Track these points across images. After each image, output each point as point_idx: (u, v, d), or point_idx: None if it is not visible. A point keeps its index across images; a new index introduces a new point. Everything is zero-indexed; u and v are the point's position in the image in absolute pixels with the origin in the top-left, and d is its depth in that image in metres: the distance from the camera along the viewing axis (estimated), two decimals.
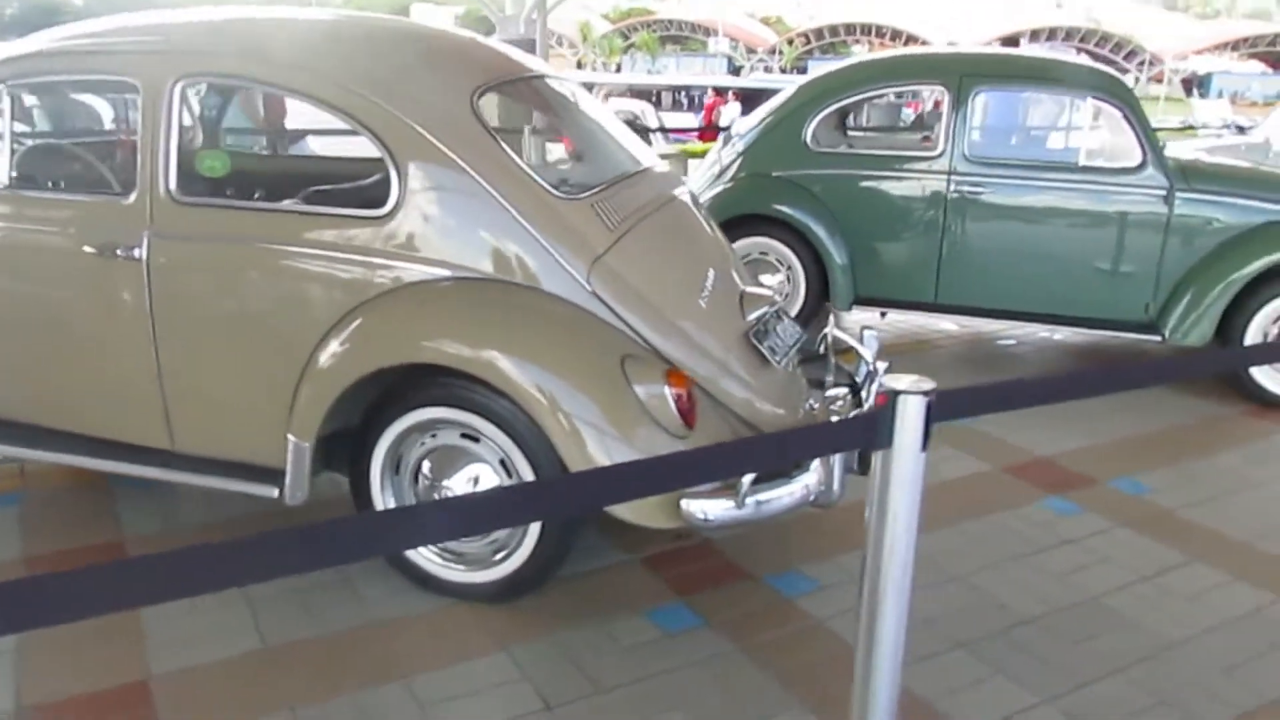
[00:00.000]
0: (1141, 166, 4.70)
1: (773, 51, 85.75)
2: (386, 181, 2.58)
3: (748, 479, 2.41)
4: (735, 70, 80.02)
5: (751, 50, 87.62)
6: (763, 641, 2.65)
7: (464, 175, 2.57)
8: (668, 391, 2.49)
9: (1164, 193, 4.69)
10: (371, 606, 2.73)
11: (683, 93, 38.26)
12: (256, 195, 3.38)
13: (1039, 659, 2.62)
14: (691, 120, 33.56)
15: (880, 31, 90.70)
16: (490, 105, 3.07)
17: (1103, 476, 3.82)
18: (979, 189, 4.88)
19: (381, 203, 2.59)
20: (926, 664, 2.58)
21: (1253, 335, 4.64)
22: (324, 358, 2.55)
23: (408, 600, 2.74)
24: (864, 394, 3.18)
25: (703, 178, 5.55)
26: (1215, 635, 2.76)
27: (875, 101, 6.86)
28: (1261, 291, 4.58)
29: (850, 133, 6.03)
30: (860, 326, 3.41)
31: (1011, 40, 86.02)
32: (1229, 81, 64.78)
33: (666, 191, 3.19)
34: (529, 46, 11.63)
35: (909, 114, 11.72)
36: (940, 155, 4.92)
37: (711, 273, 2.96)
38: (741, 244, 5.29)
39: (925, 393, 1.44)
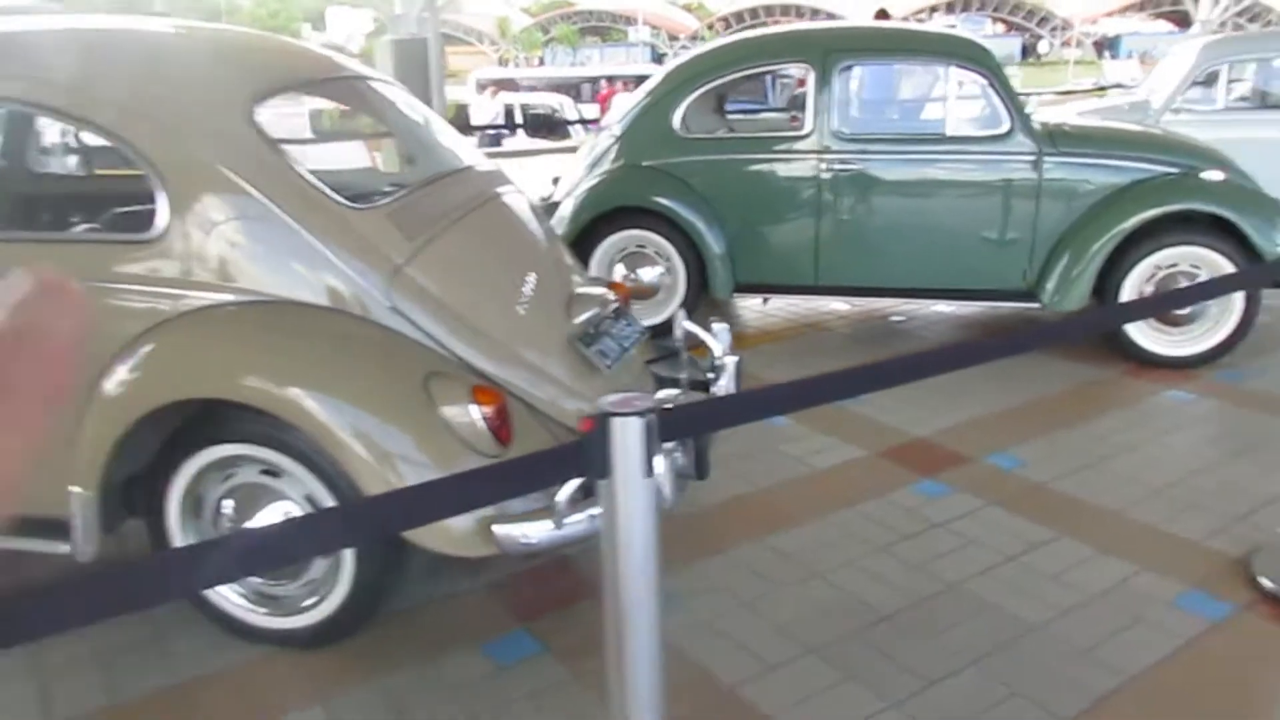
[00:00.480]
0: (1009, 134, 4.63)
1: (695, 37, 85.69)
2: (152, 202, 2.37)
3: (564, 495, 2.25)
4: (659, 58, 79.91)
5: (674, 37, 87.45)
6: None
7: (239, 191, 2.36)
8: (474, 410, 2.33)
9: (1032, 158, 4.63)
10: (180, 663, 2.52)
11: (605, 83, 38.10)
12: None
13: (893, 658, 2.50)
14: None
15: (800, 11, 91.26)
16: (285, 112, 2.87)
17: (978, 453, 3.73)
18: (850, 166, 4.77)
19: (148, 226, 2.37)
20: (775, 674, 2.45)
21: (1127, 295, 4.60)
22: (98, 400, 2.34)
23: (222, 654, 2.54)
24: (713, 390, 3.05)
25: (577, 171, 5.38)
26: (1077, 615, 2.67)
27: (757, 82, 6.74)
28: (1132, 251, 4.54)
29: (727, 116, 5.89)
30: (710, 318, 3.26)
31: (930, 12, 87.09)
32: (1137, 42, 66.04)
33: (487, 191, 3.01)
34: (422, 47, 11.36)
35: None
36: (810, 134, 4.80)
37: (533, 276, 2.79)
38: (618, 237, 5.14)
39: (643, 413, 1.28)
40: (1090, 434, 3.91)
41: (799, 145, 4.83)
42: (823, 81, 4.75)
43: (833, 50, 4.77)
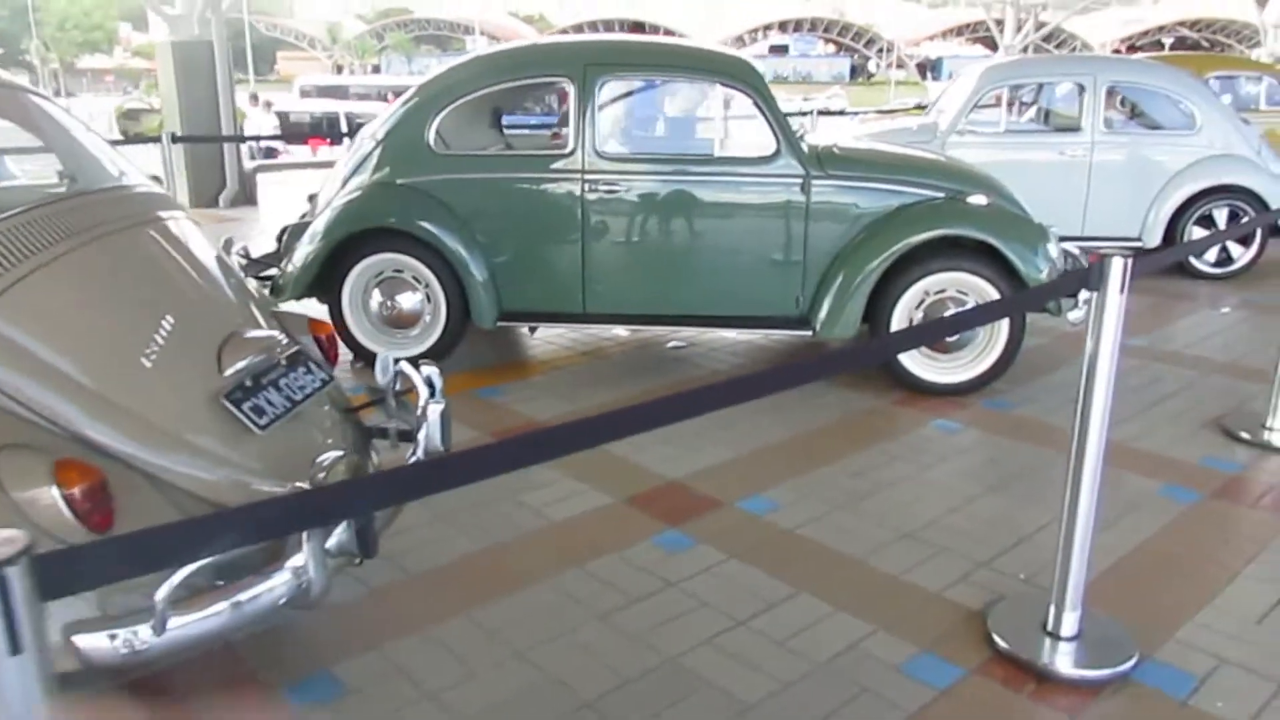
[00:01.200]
0: (776, 155, 4.45)
1: None
2: None
3: (162, 594, 1.83)
4: None
5: None
6: None
7: None
8: (55, 491, 1.88)
9: (800, 181, 4.46)
10: None
11: None
12: None
13: None
14: None
15: (639, 27, 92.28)
16: None
17: (732, 497, 3.49)
18: (615, 187, 4.50)
19: None
20: None
21: (898, 322, 4.50)
22: None
23: None
24: (419, 439, 2.68)
25: (333, 185, 4.91)
26: (799, 689, 2.42)
27: (546, 95, 6.43)
28: (901, 277, 4.44)
29: (504, 131, 5.54)
30: (421, 362, 2.88)
31: (764, 30, 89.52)
32: (958, 65, 69.55)
33: (131, 216, 2.55)
34: (206, 50, 10.56)
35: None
36: (571, 153, 4.50)
37: (169, 321, 2.35)
38: (373, 261, 4.71)
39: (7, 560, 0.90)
40: (851, 470, 3.74)
41: (561, 165, 4.52)
42: (584, 97, 4.46)
43: (593, 64, 4.49)
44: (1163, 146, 7.02)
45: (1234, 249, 7.06)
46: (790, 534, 3.22)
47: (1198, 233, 7.03)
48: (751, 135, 4.55)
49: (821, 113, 21.46)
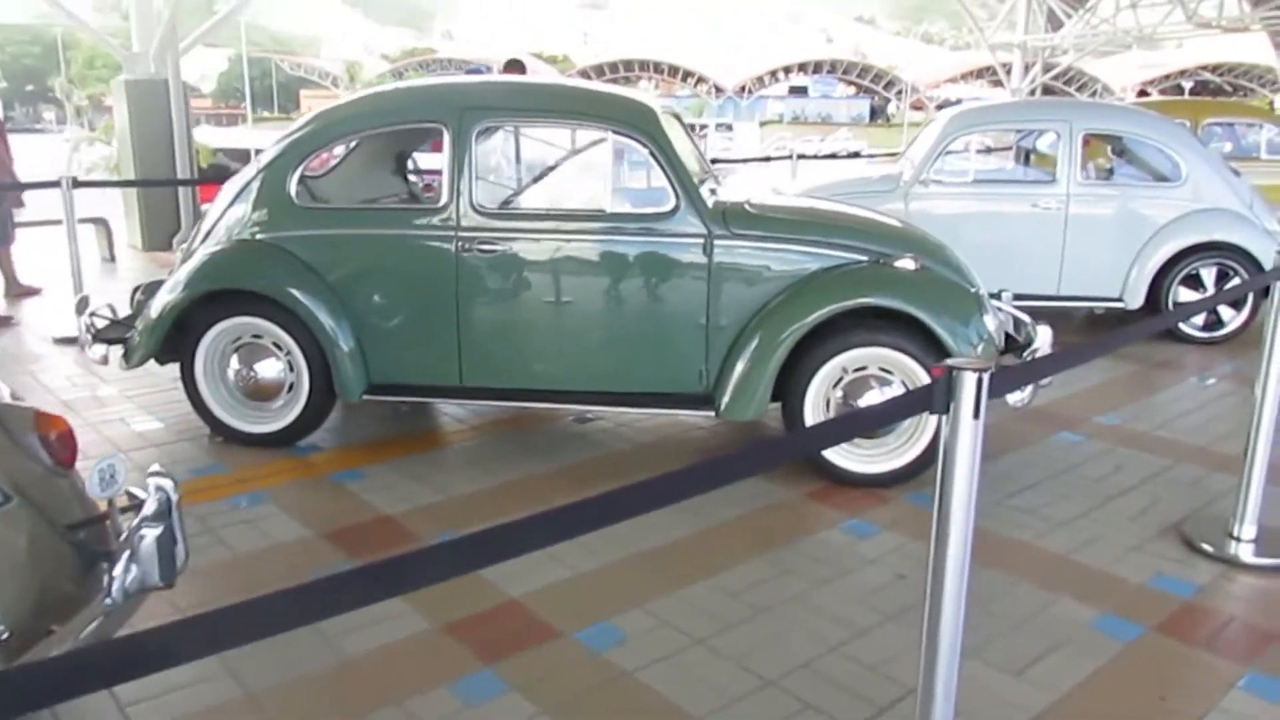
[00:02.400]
0: (674, 211, 3.93)
1: None
2: None
3: None
4: None
5: None
6: None
7: None
8: None
9: (702, 241, 3.94)
10: None
11: None
12: None
13: None
14: None
15: (659, 68, 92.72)
16: None
17: (573, 624, 2.92)
18: (493, 247, 3.98)
19: None
20: None
21: (813, 403, 3.94)
22: None
23: None
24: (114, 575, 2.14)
25: (197, 240, 4.43)
26: None
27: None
28: (816, 351, 3.88)
29: (363, 180, 4.98)
30: (148, 470, 2.34)
31: (785, 72, 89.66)
32: None
33: None
34: (161, 89, 10.21)
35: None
36: (445, 207, 3.99)
37: None
38: (229, 325, 4.21)
39: None
40: (731, 587, 3.16)
41: (434, 220, 4.02)
42: (459, 146, 3.96)
43: (470, 109, 4.00)
44: (1145, 199, 6.45)
45: (1224, 312, 6.45)
46: (626, 679, 2.64)
47: (1184, 293, 6.44)
48: (647, 189, 4.03)
49: (827, 156, 21.08)
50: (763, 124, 68.56)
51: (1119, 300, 6.46)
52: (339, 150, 4.25)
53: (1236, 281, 6.36)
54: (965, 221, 6.57)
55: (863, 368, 3.90)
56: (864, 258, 4.00)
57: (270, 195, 4.17)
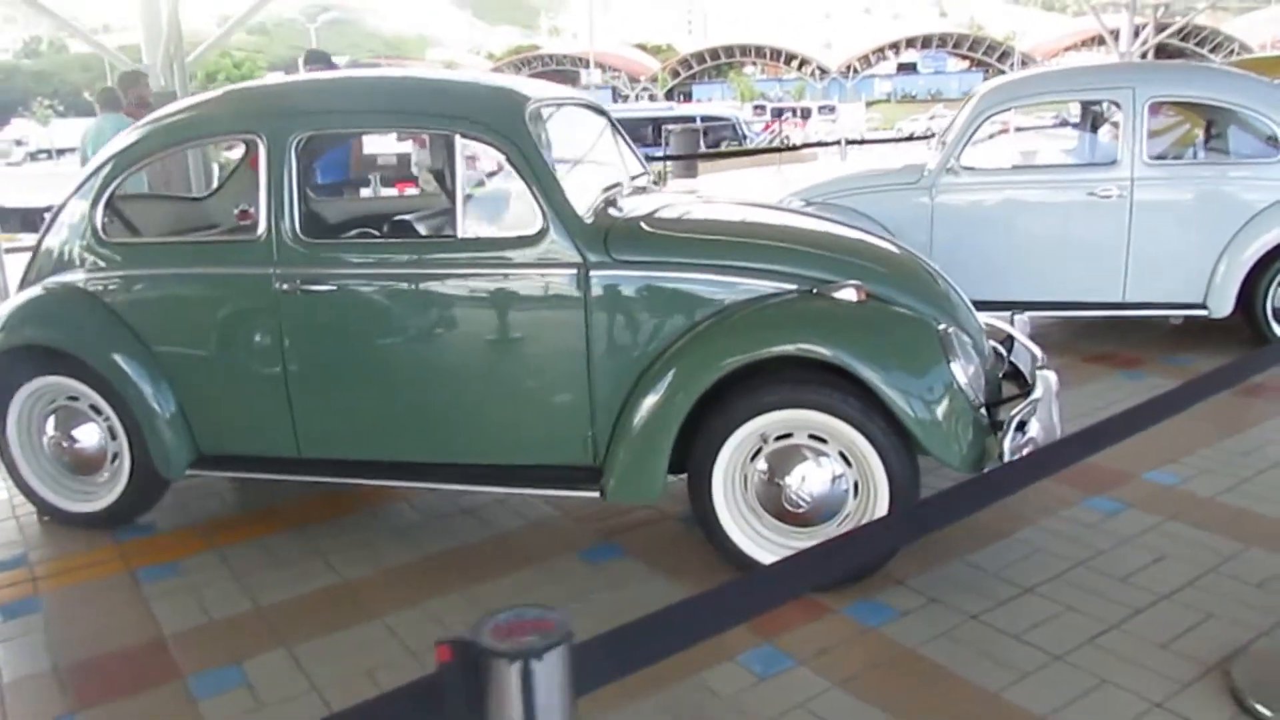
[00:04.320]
0: (543, 234, 3.03)
1: (653, 79, 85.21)
2: None
3: None
4: (622, 99, 79.32)
5: (634, 79, 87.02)
6: None
7: None
8: None
9: (575, 270, 3.02)
10: None
11: None
12: None
13: None
14: None
15: (760, 52, 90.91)
16: None
17: None
18: (319, 284, 3.15)
19: None
20: None
21: (724, 479, 2.99)
22: None
23: None
24: None
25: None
26: None
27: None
28: (728, 411, 2.93)
29: (173, 212, 4.20)
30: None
31: (893, 49, 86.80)
32: None
33: None
34: (170, 100, 9.77)
35: None
36: (261, 238, 3.19)
37: None
38: (39, 385, 3.53)
39: None
40: None
41: (249, 254, 3.21)
42: (276, 161, 3.14)
43: (286, 115, 3.18)
44: (1234, 180, 5.19)
45: None
46: None
47: None
48: (509, 206, 3.14)
49: (920, 137, 19.55)
50: (869, 104, 66.20)
51: (1202, 307, 5.23)
52: (138, 172, 3.50)
53: None
54: (1004, 216, 5.44)
55: (787, 436, 2.93)
56: (792, 286, 3.02)
57: (75, 227, 3.45)
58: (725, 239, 3.16)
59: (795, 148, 20.62)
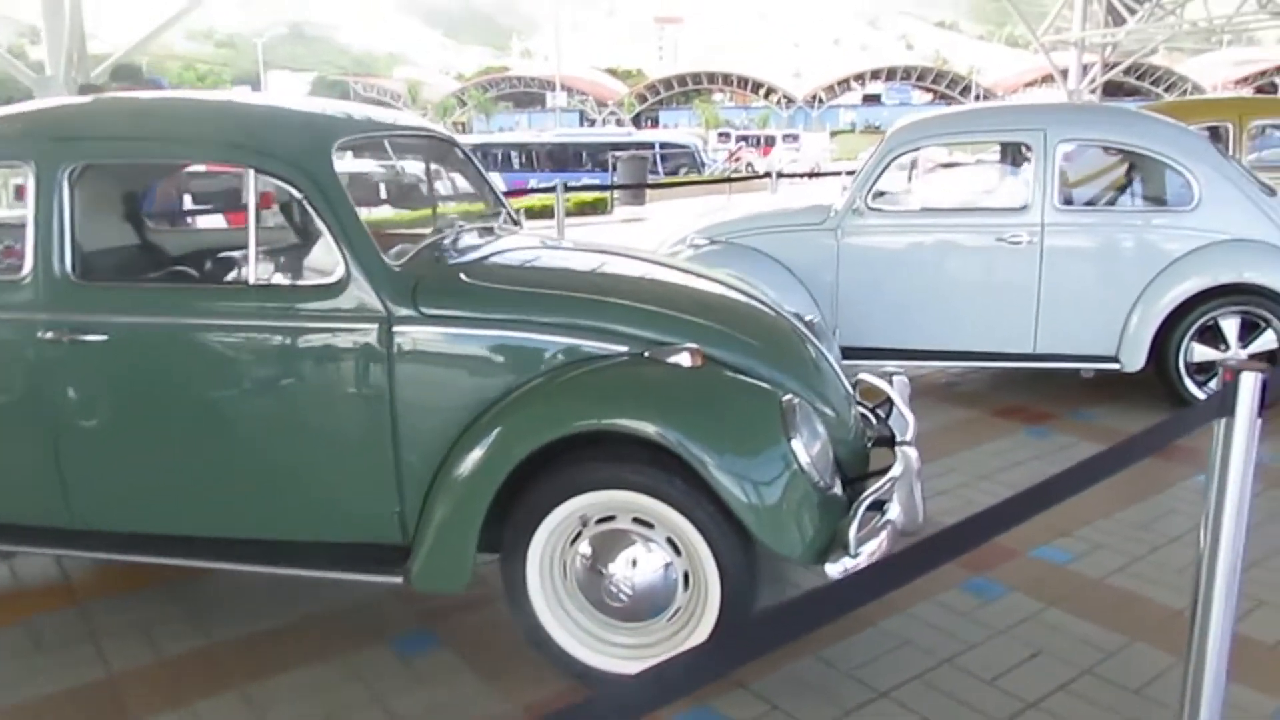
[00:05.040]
0: (343, 283, 2.67)
1: (620, 104, 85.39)
2: None
3: None
4: (589, 123, 79.40)
5: (602, 103, 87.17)
6: None
7: None
8: None
9: (377, 325, 2.67)
10: None
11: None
12: None
13: None
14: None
15: (728, 79, 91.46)
16: None
17: None
18: (90, 333, 2.77)
19: None
20: None
21: (540, 564, 2.63)
22: None
23: None
24: None
25: None
26: None
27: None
28: (544, 491, 2.58)
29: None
30: None
31: (857, 80, 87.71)
32: None
33: None
34: None
35: None
36: (27, 280, 2.80)
37: None
38: None
39: None
40: None
41: (10, 296, 2.82)
42: (44, 192, 2.77)
43: (58, 141, 2.81)
44: (1146, 229, 4.95)
45: None
46: None
47: (1199, 351, 4.91)
48: (316, 252, 2.78)
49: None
50: (834, 134, 66.63)
51: (1114, 360, 4.96)
52: None
53: (1270, 335, 4.82)
54: (912, 260, 5.16)
55: (609, 518, 2.58)
56: (622, 348, 2.68)
57: None
58: (553, 293, 2.82)
59: (748, 177, 20.49)
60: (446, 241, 3.03)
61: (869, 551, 2.46)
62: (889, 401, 3.28)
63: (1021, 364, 5.14)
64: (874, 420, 3.18)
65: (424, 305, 2.67)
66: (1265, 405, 1.95)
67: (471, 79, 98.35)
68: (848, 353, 5.28)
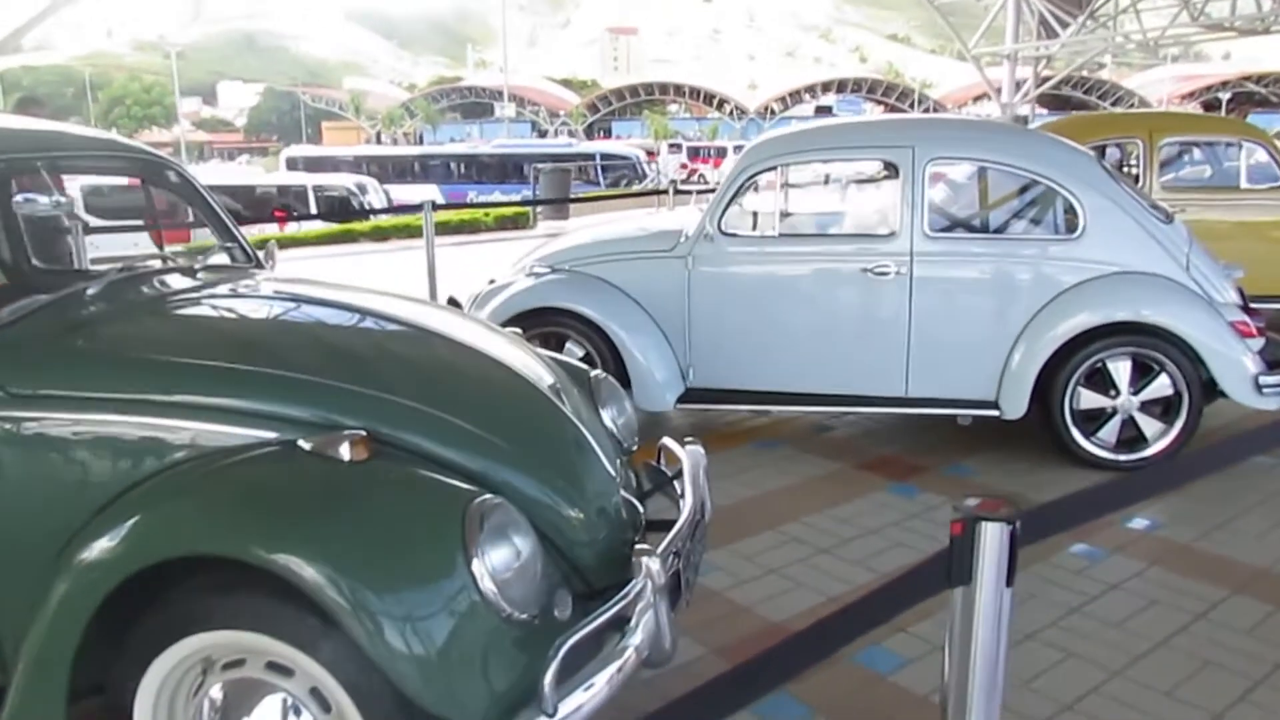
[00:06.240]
0: None
1: (571, 115, 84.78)
2: None
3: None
4: (541, 134, 78.70)
5: (555, 114, 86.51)
6: None
7: None
8: None
9: None
10: None
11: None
12: None
13: None
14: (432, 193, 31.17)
15: (680, 90, 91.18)
16: None
17: None
18: None
19: None
20: None
21: (156, 710, 1.99)
22: None
23: None
24: None
25: None
26: None
27: None
28: (140, 626, 1.94)
29: None
30: None
31: (808, 93, 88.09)
32: None
33: None
34: None
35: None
36: None
37: None
38: None
39: None
40: None
41: None
42: None
43: None
44: (1027, 259, 4.42)
45: (1147, 425, 4.38)
46: None
47: (1086, 397, 4.38)
48: None
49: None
50: None
51: (993, 406, 4.42)
52: None
53: (1164, 380, 4.30)
54: (769, 292, 4.59)
55: (239, 663, 1.95)
56: (270, 433, 2.05)
57: None
58: (188, 363, 2.16)
59: (688, 191, 19.95)
60: (93, 292, 2.38)
61: (577, 706, 1.86)
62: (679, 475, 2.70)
63: (892, 409, 4.58)
64: (640, 510, 2.57)
65: (14, 382, 2.03)
66: (1014, 567, 1.36)
67: (422, 90, 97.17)
68: (701, 396, 4.72)
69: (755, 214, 4.73)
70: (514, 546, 1.97)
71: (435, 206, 7.32)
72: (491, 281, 5.06)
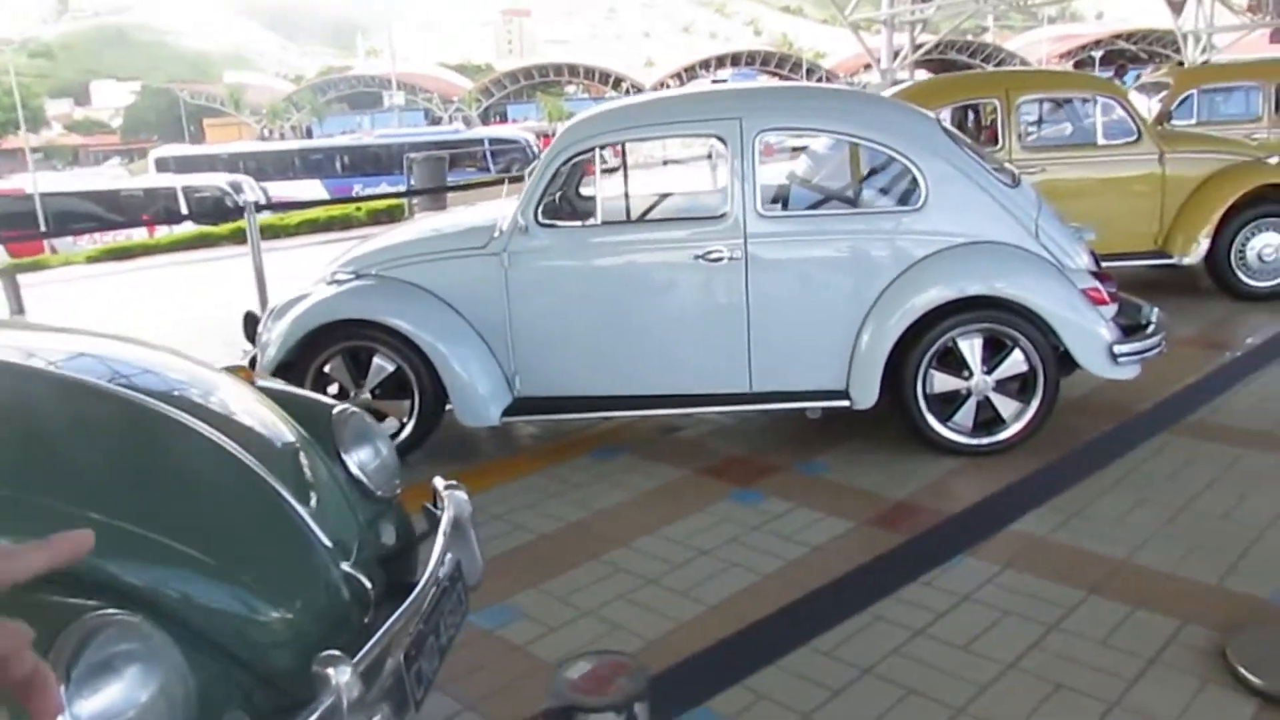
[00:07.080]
0: None
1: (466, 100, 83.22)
2: None
3: None
4: (434, 121, 76.95)
5: (448, 100, 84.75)
6: None
7: None
8: None
9: None
10: None
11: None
12: None
13: None
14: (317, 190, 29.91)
15: (575, 71, 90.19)
16: None
17: None
18: None
19: None
20: None
21: None
22: None
23: None
24: None
25: None
26: None
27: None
28: None
29: None
30: None
31: (703, 67, 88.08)
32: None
33: None
34: None
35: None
36: None
37: None
38: None
39: None
40: None
41: None
42: None
43: None
44: (868, 234, 4.06)
45: (1003, 405, 4.08)
46: None
47: (939, 380, 4.06)
48: None
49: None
50: None
51: (844, 396, 4.07)
52: None
53: (1018, 356, 4.01)
54: (595, 286, 4.16)
55: None
56: None
57: None
58: None
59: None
60: None
61: None
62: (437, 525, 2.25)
63: (737, 407, 4.20)
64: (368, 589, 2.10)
65: None
66: None
67: (309, 81, 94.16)
68: (530, 406, 4.26)
69: (575, 200, 4.28)
70: (139, 675, 1.49)
71: (267, 206, 6.68)
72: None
